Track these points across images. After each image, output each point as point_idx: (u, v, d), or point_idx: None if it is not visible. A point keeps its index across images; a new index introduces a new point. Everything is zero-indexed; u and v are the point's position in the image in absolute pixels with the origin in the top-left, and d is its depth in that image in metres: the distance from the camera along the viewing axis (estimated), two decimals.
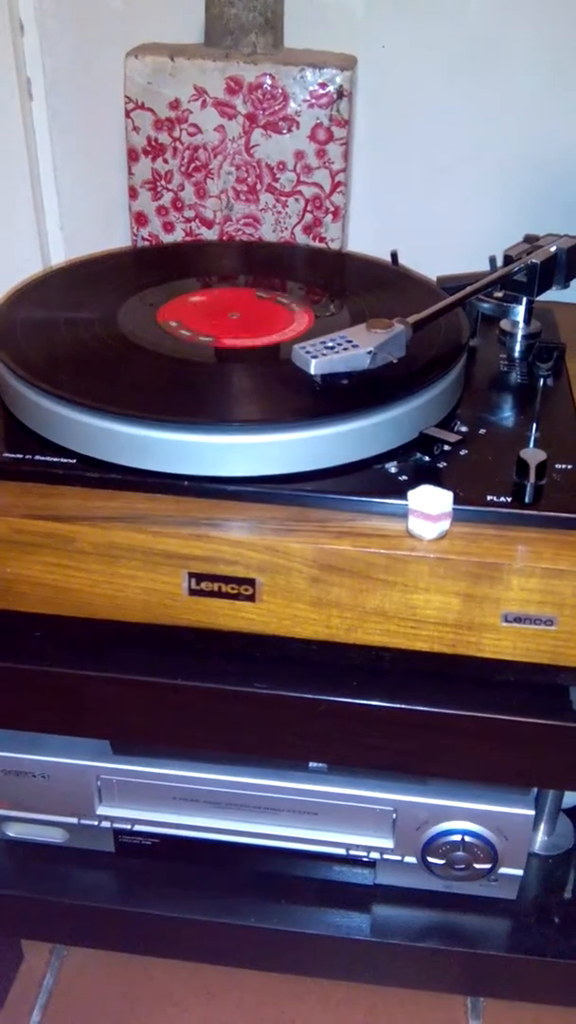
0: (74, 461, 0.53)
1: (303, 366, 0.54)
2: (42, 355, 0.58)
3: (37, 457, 0.54)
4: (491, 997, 0.76)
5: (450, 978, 0.68)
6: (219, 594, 0.52)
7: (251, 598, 0.52)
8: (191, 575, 0.51)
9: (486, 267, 0.67)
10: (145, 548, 0.51)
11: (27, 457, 0.54)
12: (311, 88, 0.76)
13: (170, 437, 0.52)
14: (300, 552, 0.50)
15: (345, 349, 0.54)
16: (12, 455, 0.54)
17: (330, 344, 0.55)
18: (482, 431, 0.58)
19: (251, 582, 0.51)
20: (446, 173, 0.84)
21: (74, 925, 0.70)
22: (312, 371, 0.54)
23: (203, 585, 0.52)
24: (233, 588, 0.51)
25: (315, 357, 0.54)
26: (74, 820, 0.66)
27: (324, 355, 0.54)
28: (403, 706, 0.54)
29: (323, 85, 0.76)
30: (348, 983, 0.79)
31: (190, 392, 0.55)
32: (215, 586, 0.52)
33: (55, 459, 0.54)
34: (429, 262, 0.74)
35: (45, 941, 0.81)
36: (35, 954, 0.82)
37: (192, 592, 0.52)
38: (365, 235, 0.85)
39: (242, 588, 0.51)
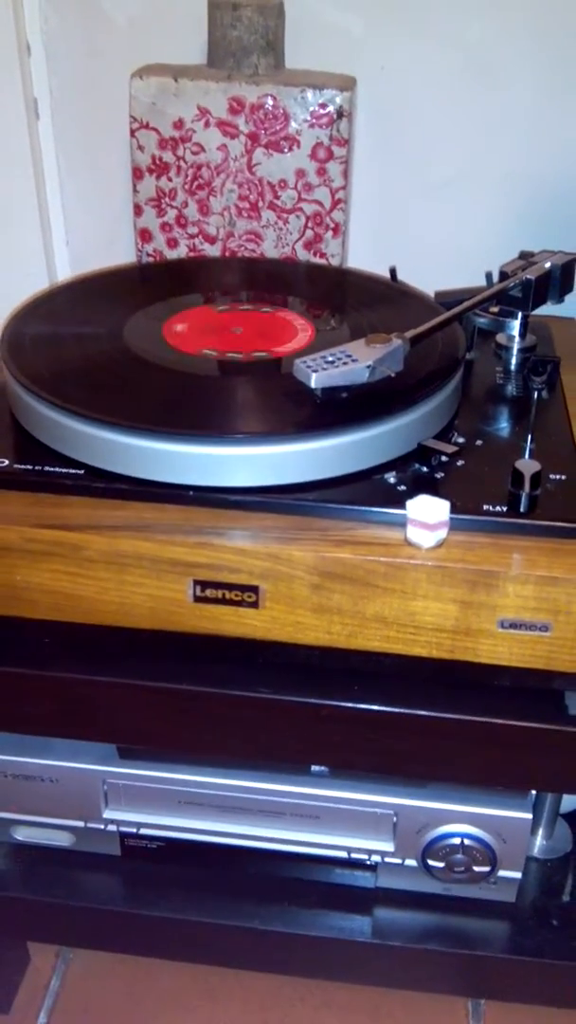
0: (82, 472, 0.55)
1: (304, 380, 0.55)
2: (51, 369, 0.59)
3: (46, 468, 0.55)
4: (491, 999, 0.77)
5: (451, 980, 0.69)
6: (223, 601, 0.53)
7: (254, 605, 0.53)
8: (196, 582, 0.53)
9: (483, 282, 0.69)
10: (151, 556, 0.52)
11: (37, 468, 0.55)
12: (311, 108, 0.78)
13: (176, 448, 0.53)
14: (302, 560, 0.51)
15: (345, 363, 0.56)
16: (22, 466, 0.55)
17: (330, 358, 0.56)
18: (478, 442, 0.59)
19: (254, 589, 0.52)
20: (443, 191, 0.85)
21: (80, 928, 0.71)
22: (313, 385, 0.55)
23: (208, 592, 0.53)
24: (237, 595, 0.53)
25: (316, 371, 0.55)
26: (81, 823, 0.67)
27: (324, 369, 0.55)
28: (403, 710, 0.55)
29: (323, 105, 0.78)
30: (350, 986, 0.79)
31: (195, 405, 0.57)
32: (219, 593, 0.53)
33: (64, 470, 0.55)
34: (427, 277, 0.75)
35: (51, 943, 0.82)
36: (41, 958, 0.83)
37: (197, 599, 0.53)
38: (364, 251, 0.86)
39: (246, 595, 0.53)
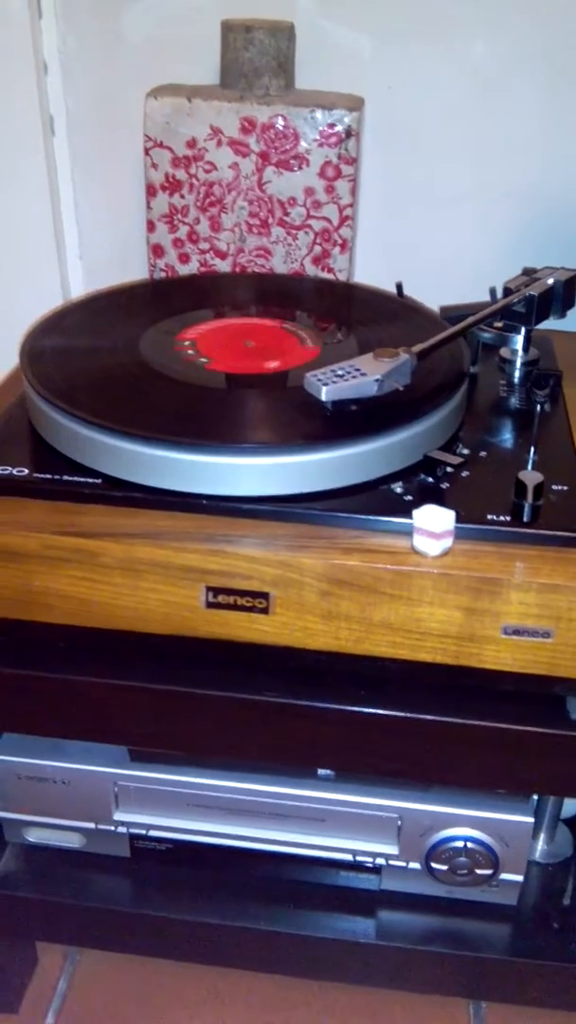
0: (99, 481, 0.56)
1: (315, 392, 0.57)
2: (69, 381, 0.61)
3: (65, 477, 0.57)
4: (492, 1001, 0.78)
5: (453, 982, 0.70)
6: (235, 607, 0.54)
7: (265, 611, 0.54)
8: (208, 589, 0.54)
9: (487, 297, 0.71)
10: (166, 563, 0.54)
11: (55, 477, 0.57)
12: (321, 128, 0.80)
13: (190, 458, 0.55)
14: (311, 567, 0.53)
15: (354, 377, 0.57)
16: (41, 475, 0.57)
17: (340, 372, 0.58)
18: (483, 454, 0.60)
19: (265, 596, 0.54)
20: (448, 208, 0.87)
21: (89, 928, 0.73)
22: (323, 397, 0.57)
23: (220, 598, 0.54)
24: (248, 601, 0.54)
25: (326, 384, 0.57)
26: (91, 825, 0.69)
27: (334, 382, 0.57)
28: (408, 715, 0.56)
29: (332, 125, 0.80)
30: (352, 990, 0.80)
31: (209, 416, 0.58)
32: (231, 599, 0.54)
33: (81, 479, 0.57)
34: (432, 292, 0.77)
35: (60, 944, 0.83)
36: (49, 958, 0.84)
37: (209, 605, 0.55)
38: (371, 266, 0.88)
39: (256, 601, 0.54)
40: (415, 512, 0.53)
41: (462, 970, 0.68)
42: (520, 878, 0.66)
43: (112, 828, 0.69)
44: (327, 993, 0.81)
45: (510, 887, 0.67)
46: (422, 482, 0.57)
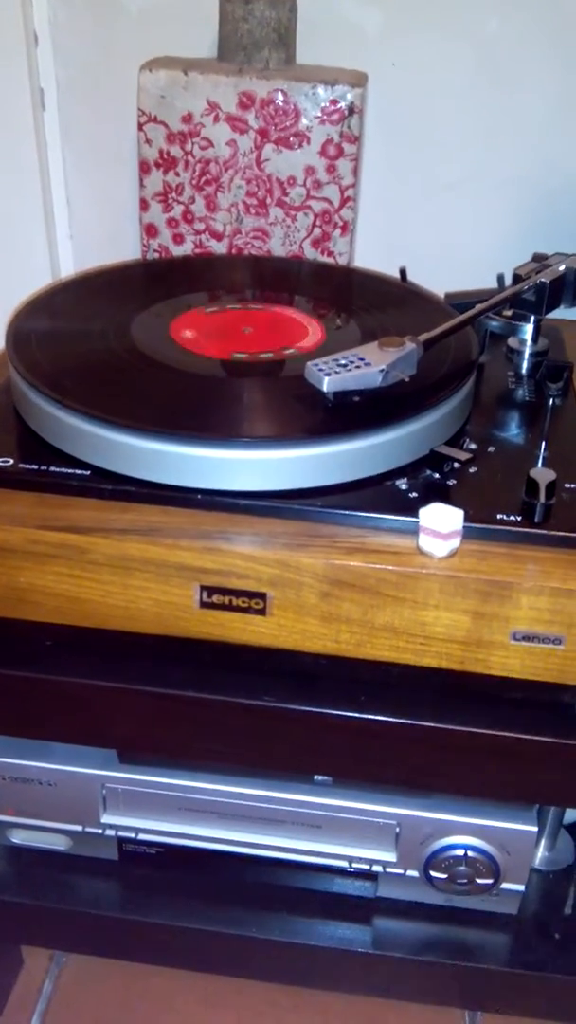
0: (88, 473, 0.54)
1: (316, 383, 0.55)
2: (57, 367, 0.58)
3: (52, 468, 0.54)
4: (490, 1012, 0.76)
5: (449, 992, 0.68)
6: (230, 607, 0.52)
7: (262, 612, 0.52)
8: (203, 588, 0.52)
9: (492, 283, 0.68)
10: (158, 560, 0.51)
11: (42, 468, 0.54)
12: (322, 104, 0.77)
13: (184, 451, 0.52)
14: (311, 567, 0.50)
15: (357, 367, 0.55)
16: (27, 465, 0.54)
17: (343, 362, 0.55)
18: (491, 449, 0.58)
19: (262, 596, 0.52)
20: (454, 190, 0.85)
21: (75, 932, 0.71)
22: (325, 388, 0.54)
23: (214, 598, 0.52)
24: (244, 602, 0.52)
25: (328, 375, 0.54)
26: (79, 828, 0.66)
27: (337, 373, 0.54)
28: (410, 721, 0.54)
29: (334, 102, 0.77)
30: (347, 996, 0.79)
31: (204, 406, 0.56)
32: (226, 599, 0.52)
33: (70, 471, 0.54)
34: (435, 278, 0.74)
35: (46, 948, 0.82)
36: (34, 960, 0.82)
37: (203, 605, 0.52)
38: (372, 249, 0.85)
39: (253, 602, 0.52)
40: (421, 511, 0.50)
41: (459, 980, 0.67)
42: (521, 887, 0.64)
43: (100, 831, 0.66)
44: (320, 998, 0.80)
45: (511, 896, 0.65)
46: (428, 478, 0.55)
